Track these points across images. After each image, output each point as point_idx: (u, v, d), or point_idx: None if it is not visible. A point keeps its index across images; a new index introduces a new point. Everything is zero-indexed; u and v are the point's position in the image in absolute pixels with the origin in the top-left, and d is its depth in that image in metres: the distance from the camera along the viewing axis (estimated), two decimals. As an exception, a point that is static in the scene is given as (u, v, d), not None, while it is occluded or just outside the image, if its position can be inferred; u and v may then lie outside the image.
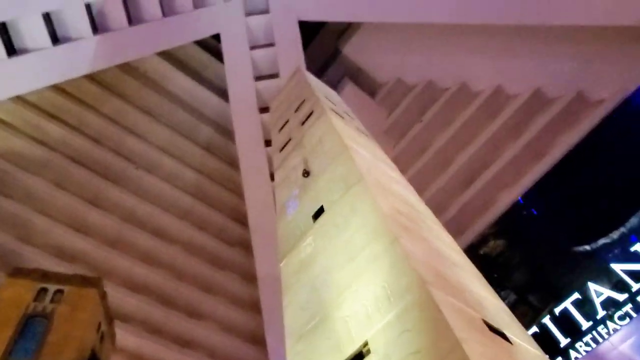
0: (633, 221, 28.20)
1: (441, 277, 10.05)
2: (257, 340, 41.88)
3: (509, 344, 9.73)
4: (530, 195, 34.91)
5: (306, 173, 15.23)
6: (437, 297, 9.00)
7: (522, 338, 10.74)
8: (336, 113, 18.03)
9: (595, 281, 26.23)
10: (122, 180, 40.86)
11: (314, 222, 13.84)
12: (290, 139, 18.82)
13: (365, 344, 10.02)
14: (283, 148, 19.04)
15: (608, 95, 32.24)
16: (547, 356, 11.18)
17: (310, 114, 18.21)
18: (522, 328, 11.23)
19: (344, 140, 14.42)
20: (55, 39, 31.44)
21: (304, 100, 20.20)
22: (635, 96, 30.53)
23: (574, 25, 31.91)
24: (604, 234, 28.81)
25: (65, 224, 37.49)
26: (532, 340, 11.12)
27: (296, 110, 20.36)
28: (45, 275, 29.32)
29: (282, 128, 20.89)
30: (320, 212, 13.81)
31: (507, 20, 34.31)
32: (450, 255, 12.22)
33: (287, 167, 17.42)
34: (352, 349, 10.32)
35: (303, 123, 18.51)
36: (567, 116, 34.13)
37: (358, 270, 11.23)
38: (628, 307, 24.55)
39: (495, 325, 9.98)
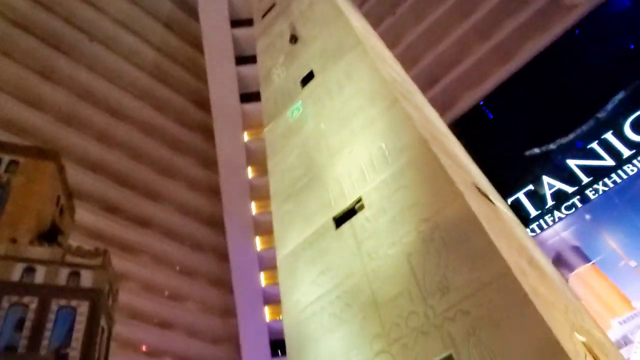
0: (583, 128, 29.44)
1: (437, 140, 10.37)
2: (215, 223, 42.73)
3: (493, 205, 10.38)
4: (491, 99, 35.52)
5: (294, 39, 14.73)
6: (438, 154, 9.30)
7: (500, 202, 11.45)
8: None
9: (549, 175, 27.91)
10: (75, 53, 38.37)
11: (303, 87, 13.67)
12: (274, 4, 17.90)
13: (359, 200, 10.42)
14: (266, 14, 18.14)
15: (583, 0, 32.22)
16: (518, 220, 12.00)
17: (297, -23, 17.22)
18: (499, 195, 11.95)
19: (338, 5, 13.90)
20: None
21: (289, -36, 18.95)
22: (609, 4, 30.66)
23: None
24: (553, 139, 30.09)
25: (14, 96, 35.37)
26: (506, 205, 11.89)
27: (280, -25, 19.16)
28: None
29: (264, -7, 19.74)
30: (309, 77, 13.61)
31: None
32: (439, 125, 12.55)
33: (272, 33, 16.76)
34: (344, 205, 10.73)
35: (289, -12, 17.55)
36: (540, 19, 34.08)
37: (353, 133, 11.37)
38: (576, 199, 26.55)
39: (482, 189, 10.55)
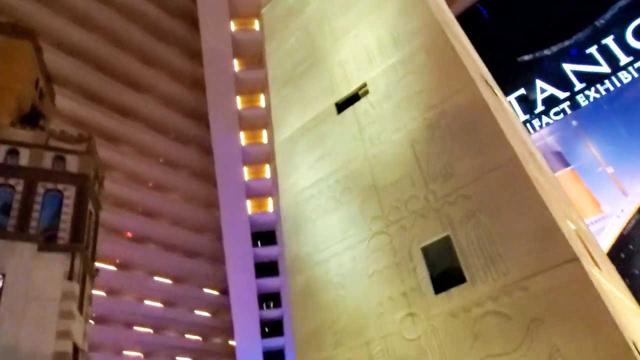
0: (579, 36, 28.74)
1: (448, 26, 9.98)
2: (199, 116, 42.09)
3: (497, 97, 10.29)
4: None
5: None
6: (451, 39, 9.00)
7: (502, 96, 11.36)
8: None
9: (543, 79, 27.72)
10: None
11: (306, -33, 12.82)
12: None
13: (363, 86, 10.20)
14: None
15: None
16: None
17: None
18: (499, 89, 11.86)
19: None
20: None
21: None
22: None
23: None
24: (549, 45, 29.44)
25: (-19, -33, 32.63)
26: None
27: None
28: (-30, 19, 26.31)
29: None
30: (312, -44, 12.72)
31: None
32: (448, 13, 12.10)
33: None
34: (347, 91, 10.52)
35: None
36: None
37: (359, 15, 10.88)
38: (565, 105, 26.68)
39: (488, 81, 10.38)
